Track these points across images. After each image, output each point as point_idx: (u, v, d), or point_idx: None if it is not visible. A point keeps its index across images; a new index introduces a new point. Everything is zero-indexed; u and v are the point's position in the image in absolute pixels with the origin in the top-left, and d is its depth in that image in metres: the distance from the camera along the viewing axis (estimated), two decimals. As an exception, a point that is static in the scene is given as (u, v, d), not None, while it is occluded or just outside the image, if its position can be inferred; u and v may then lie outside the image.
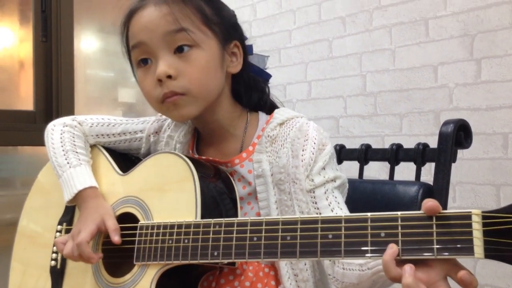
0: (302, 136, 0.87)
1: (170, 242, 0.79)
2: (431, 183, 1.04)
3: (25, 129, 1.89)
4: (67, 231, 0.98)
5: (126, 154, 1.07)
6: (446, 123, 1.02)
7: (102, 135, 1.04)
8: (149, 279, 0.81)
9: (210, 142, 0.96)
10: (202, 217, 0.79)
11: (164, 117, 1.02)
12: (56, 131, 1.01)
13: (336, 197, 0.85)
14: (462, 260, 0.60)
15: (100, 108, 2.34)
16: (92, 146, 1.04)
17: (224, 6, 0.93)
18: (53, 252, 0.99)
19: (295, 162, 0.86)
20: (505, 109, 1.79)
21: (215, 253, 0.74)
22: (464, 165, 1.86)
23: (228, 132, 0.94)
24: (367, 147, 1.21)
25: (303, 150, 0.86)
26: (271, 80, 1.02)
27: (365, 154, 1.21)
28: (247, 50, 0.95)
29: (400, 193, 1.06)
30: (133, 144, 1.05)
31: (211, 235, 0.75)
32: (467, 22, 1.88)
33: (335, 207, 0.83)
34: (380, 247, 0.62)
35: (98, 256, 0.86)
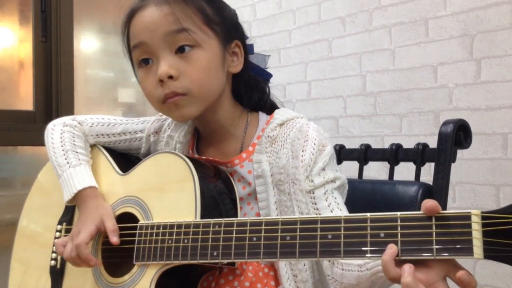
0: (302, 137, 0.87)
1: (170, 242, 0.79)
2: (431, 183, 1.04)
3: (25, 129, 1.89)
4: (67, 230, 0.98)
5: (126, 154, 1.07)
6: (445, 123, 1.02)
7: (102, 135, 1.04)
8: (148, 279, 0.81)
9: (210, 142, 0.96)
10: (202, 217, 0.79)
11: (164, 117, 1.02)
12: (56, 131, 1.01)
13: (335, 198, 0.85)
14: (462, 260, 0.60)
15: (100, 108, 2.34)
16: (92, 146, 1.04)
17: (225, 6, 0.93)
18: (53, 252, 0.99)
19: (295, 163, 0.86)
20: (504, 109, 1.79)
21: (215, 253, 0.74)
22: (463, 165, 1.86)
23: (228, 132, 0.94)
24: (367, 147, 1.21)
25: (303, 151, 0.86)
26: (270, 80, 1.02)
27: (364, 154, 1.21)
28: (248, 50, 0.95)
29: (399, 193, 1.06)
30: (133, 144, 1.05)
31: (210, 235, 0.75)
32: (467, 22, 1.88)
33: (335, 208, 0.83)
34: (379, 247, 0.62)
35: (97, 261, 0.86)
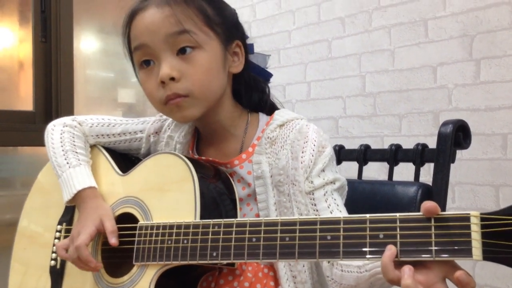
0: (302, 138, 0.87)
1: (169, 242, 0.79)
2: (430, 184, 1.04)
3: (24, 129, 1.89)
4: (67, 231, 0.98)
5: (126, 154, 1.07)
6: (445, 123, 1.03)
7: (102, 135, 1.04)
8: (148, 279, 0.81)
9: (210, 142, 0.97)
10: (202, 217, 0.79)
11: (164, 117, 1.02)
12: (56, 131, 1.01)
13: (335, 199, 0.85)
14: (461, 261, 0.60)
15: (100, 108, 2.34)
16: (92, 146, 1.04)
17: (225, 6, 0.93)
18: (52, 252, 0.99)
19: (294, 164, 0.86)
20: (504, 110, 1.79)
21: (214, 254, 0.74)
22: (463, 166, 1.86)
23: (228, 132, 0.94)
24: (366, 147, 1.21)
25: (302, 152, 0.86)
26: (270, 80, 1.02)
27: (364, 155, 1.21)
28: (248, 49, 0.95)
29: (399, 193, 1.06)
30: (133, 144, 1.05)
31: (210, 236, 0.75)
32: (466, 23, 1.89)
33: (334, 209, 0.83)
34: (378, 248, 0.62)
35: (97, 264, 0.86)
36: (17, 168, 2.05)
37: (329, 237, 0.65)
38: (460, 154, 1.78)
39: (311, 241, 0.66)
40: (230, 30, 0.91)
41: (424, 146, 1.09)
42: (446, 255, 0.58)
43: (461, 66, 1.89)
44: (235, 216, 0.86)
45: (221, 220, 0.75)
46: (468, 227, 0.57)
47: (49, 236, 1.01)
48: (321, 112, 2.36)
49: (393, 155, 1.14)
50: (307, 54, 2.43)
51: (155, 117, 1.04)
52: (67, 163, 0.96)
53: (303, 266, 0.86)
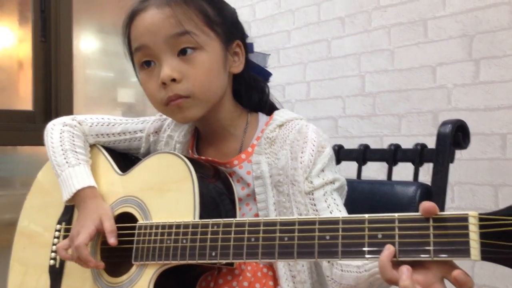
0: (301, 138, 0.87)
1: (169, 242, 0.79)
2: (429, 184, 1.04)
3: (24, 129, 1.89)
4: (66, 230, 0.98)
5: (125, 153, 1.07)
6: (444, 123, 1.03)
7: (102, 134, 1.04)
8: (147, 278, 0.81)
9: (210, 141, 0.97)
10: (201, 217, 0.79)
11: (164, 116, 1.02)
12: (56, 130, 1.01)
13: (335, 199, 0.85)
14: (460, 260, 0.60)
15: (100, 108, 2.34)
16: (92, 146, 1.04)
17: (225, 5, 0.93)
18: (52, 252, 0.99)
19: (294, 164, 0.86)
20: (503, 110, 1.79)
21: (213, 253, 0.74)
22: (462, 166, 1.86)
23: (228, 132, 0.94)
24: (366, 147, 1.21)
25: (302, 152, 0.86)
26: (270, 80, 1.02)
27: (363, 155, 1.21)
28: (248, 49, 0.95)
29: (398, 193, 1.06)
30: (132, 144, 1.05)
31: (209, 235, 0.75)
32: (466, 23, 1.89)
33: (334, 209, 0.83)
34: (377, 248, 0.62)
35: (97, 263, 0.86)
36: (17, 168, 2.05)
37: (328, 237, 0.65)
38: (459, 154, 1.79)
39: (310, 241, 0.66)
40: (231, 30, 0.91)
41: (423, 146, 1.09)
42: (445, 255, 0.58)
43: (461, 66, 1.90)
44: (234, 216, 0.86)
45: (220, 219, 0.75)
46: (466, 227, 0.57)
47: (48, 236, 1.01)
48: (320, 112, 2.36)
49: (392, 155, 1.14)
50: (307, 54, 2.43)
51: (154, 117, 1.04)
52: (67, 162, 0.96)
53: (303, 266, 0.86)
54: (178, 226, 0.79)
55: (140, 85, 0.92)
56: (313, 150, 0.85)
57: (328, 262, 0.81)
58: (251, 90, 0.97)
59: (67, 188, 0.94)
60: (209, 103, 0.88)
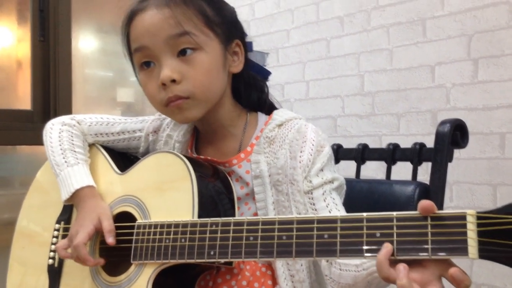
0: (300, 138, 0.87)
1: (167, 241, 0.79)
2: (428, 183, 1.04)
3: (23, 128, 1.89)
4: (65, 229, 0.98)
5: (124, 153, 1.07)
6: (442, 123, 1.03)
7: (101, 134, 1.04)
8: (146, 278, 0.81)
9: (209, 141, 0.97)
10: (200, 216, 0.79)
11: (163, 116, 1.02)
12: (55, 130, 1.01)
13: (334, 199, 0.85)
14: (458, 259, 0.60)
15: (99, 107, 2.34)
16: (91, 145, 1.04)
17: (225, 5, 0.93)
18: (51, 251, 0.99)
19: (293, 164, 0.86)
20: (502, 109, 1.79)
21: (212, 252, 0.74)
22: (461, 165, 1.86)
23: (227, 131, 0.94)
24: (364, 146, 1.21)
25: (301, 152, 0.86)
26: (269, 79, 1.02)
27: (362, 154, 1.21)
28: (247, 48, 0.95)
29: (396, 192, 1.07)
30: (131, 143, 1.05)
31: (207, 235, 0.75)
32: (465, 22, 1.89)
33: (333, 208, 0.83)
34: (375, 246, 0.62)
35: (96, 261, 0.86)
36: (16, 167, 2.05)
37: (326, 236, 0.65)
38: (458, 153, 1.79)
39: (308, 239, 0.66)
40: (230, 30, 0.91)
41: (422, 145, 1.09)
42: (442, 254, 0.58)
43: (459, 66, 1.90)
44: (233, 215, 0.87)
45: (218, 219, 0.75)
46: (464, 225, 0.57)
47: (47, 235, 1.01)
48: (319, 111, 2.37)
49: (391, 154, 1.14)
50: (306, 53, 2.43)
51: (154, 116, 1.05)
52: (65, 162, 0.96)
53: (301, 265, 0.86)
54: (176, 225, 0.79)
55: (139, 85, 0.92)
56: (312, 150, 0.86)
57: (327, 261, 0.82)
58: (250, 89, 0.97)
59: (66, 188, 0.94)
60: (209, 103, 0.88)
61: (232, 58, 0.91)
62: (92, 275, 0.90)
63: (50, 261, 0.98)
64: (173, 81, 0.84)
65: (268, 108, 0.99)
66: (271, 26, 2.59)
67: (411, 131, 2.03)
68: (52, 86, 1.98)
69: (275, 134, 0.90)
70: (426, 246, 0.59)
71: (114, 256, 0.89)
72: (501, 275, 1.76)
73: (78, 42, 2.17)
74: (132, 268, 0.84)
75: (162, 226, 0.81)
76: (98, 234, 0.91)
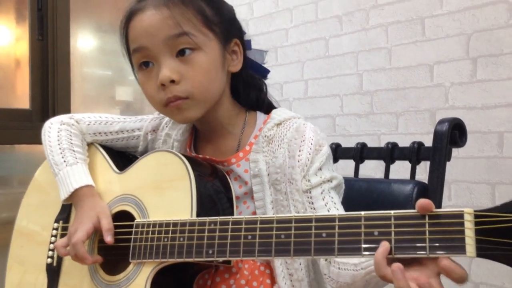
0: (299, 137, 0.87)
1: (166, 240, 0.79)
2: (426, 182, 1.04)
3: (21, 127, 1.89)
4: (64, 229, 0.98)
5: (123, 152, 1.07)
6: (441, 122, 1.03)
7: (100, 133, 1.04)
8: (144, 276, 0.81)
9: (208, 139, 0.97)
10: (198, 215, 0.79)
11: (162, 115, 1.02)
12: (53, 129, 1.01)
13: (332, 198, 0.85)
14: (458, 258, 0.60)
15: (97, 106, 2.34)
16: (89, 144, 1.04)
17: (223, 3, 0.93)
18: (49, 250, 0.99)
19: (291, 163, 0.86)
20: (500, 108, 1.79)
21: (210, 251, 0.74)
22: (459, 164, 1.87)
23: (226, 130, 0.94)
24: (363, 145, 1.21)
25: (299, 151, 0.86)
26: (268, 78, 1.02)
27: (360, 153, 1.21)
28: (246, 46, 0.95)
29: (395, 191, 1.07)
30: (130, 142, 1.05)
31: (206, 233, 0.75)
32: (463, 21, 1.89)
33: (332, 207, 0.84)
34: (373, 245, 0.62)
35: (94, 259, 0.86)
36: (14, 166, 2.05)
37: (324, 235, 0.65)
38: (456, 152, 1.79)
39: (306, 238, 0.66)
40: (229, 29, 0.90)
41: (420, 144, 1.09)
42: (440, 252, 0.58)
43: (458, 65, 1.90)
44: (232, 214, 0.87)
45: (217, 217, 0.76)
46: (462, 224, 0.57)
47: (46, 234, 1.01)
48: (318, 110, 2.37)
49: (390, 154, 1.15)
50: (305, 52, 2.43)
51: (152, 115, 1.05)
52: (64, 161, 0.96)
53: (300, 264, 0.86)
54: (175, 224, 0.79)
55: (138, 85, 0.92)
56: (310, 149, 0.86)
57: (326, 260, 0.82)
58: (249, 88, 0.97)
59: (65, 187, 0.94)
60: (208, 103, 0.88)
61: (231, 57, 0.91)
62: (91, 274, 0.90)
63: (49, 260, 0.98)
64: (172, 81, 0.84)
65: (267, 107, 0.99)
66: (270, 25, 2.59)
67: (409, 130, 2.03)
68: (51, 85, 1.98)
69: (274, 133, 0.90)
70: (424, 245, 0.59)
71: (113, 255, 0.89)
72: (500, 274, 1.76)
73: (76, 41, 2.17)
74: (131, 267, 0.84)
75: (160, 225, 0.81)
76: (96, 233, 0.91)
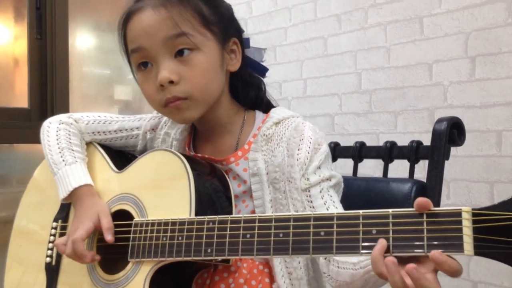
0: (297, 136, 0.87)
1: (164, 239, 0.79)
2: (425, 181, 1.05)
3: (20, 126, 1.89)
4: (62, 228, 0.98)
5: (122, 151, 1.07)
6: (439, 120, 1.03)
7: (98, 132, 1.04)
8: (143, 275, 0.81)
9: (206, 138, 0.97)
10: (197, 214, 0.79)
11: (160, 114, 1.02)
12: (52, 128, 1.01)
13: (331, 196, 0.85)
14: (456, 257, 0.60)
15: (96, 105, 2.33)
16: (88, 143, 1.04)
17: (221, 3, 0.93)
18: (48, 249, 0.99)
19: (290, 161, 0.86)
20: (499, 107, 1.80)
21: (209, 250, 0.74)
22: (458, 163, 1.87)
23: (225, 129, 0.94)
24: (361, 144, 1.21)
25: (298, 150, 0.86)
26: (266, 76, 1.02)
27: (359, 152, 1.21)
28: (244, 45, 0.95)
29: (393, 190, 1.07)
30: (129, 141, 1.05)
31: (204, 232, 0.76)
32: (462, 20, 1.89)
33: (331, 205, 0.84)
34: (371, 244, 0.62)
35: (92, 256, 0.86)
36: (13, 166, 2.05)
37: (322, 233, 0.65)
38: (455, 151, 1.79)
39: (305, 237, 0.67)
40: (227, 28, 0.90)
41: (419, 143, 1.10)
42: (438, 250, 0.59)
43: (457, 63, 1.90)
44: (231, 213, 0.87)
45: (215, 216, 0.76)
46: (459, 222, 0.57)
47: (44, 233, 1.01)
48: (317, 109, 2.37)
49: (388, 152, 1.15)
50: (303, 51, 2.43)
51: (151, 114, 1.05)
52: (63, 160, 0.96)
53: (299, 262, 0.86)
54: (174, 223, 0.79)
55: (137, 84, 0.92)
56: (309, 148, 0.86)
57: (325, 258, 0.82)
58: (248, 87, 0.97)
59: (64, 186, 0.94)
60: (207, 103, 0.88)
61: (229, 56, 0.91)
62: (90, 273, 0.90)
63: (48, 259, 0.98)
64: (171, 82, 0.84)
65: (266, 106, 0.99)
66: (269, 24, 2.59)
67: (408, 129, 2.04)
68: (49, 84, 1.98)
69: (273, 132, 0.90)
70: (422, 243, 0.59)
71: (112, 254, 0.89)
72: (498, 273, 1.76)
73: (75, 39, 2.16)
74: (130, 266, 0.84)
75: (159, 224, 0.81)
76: (96, 232, 0.91)
